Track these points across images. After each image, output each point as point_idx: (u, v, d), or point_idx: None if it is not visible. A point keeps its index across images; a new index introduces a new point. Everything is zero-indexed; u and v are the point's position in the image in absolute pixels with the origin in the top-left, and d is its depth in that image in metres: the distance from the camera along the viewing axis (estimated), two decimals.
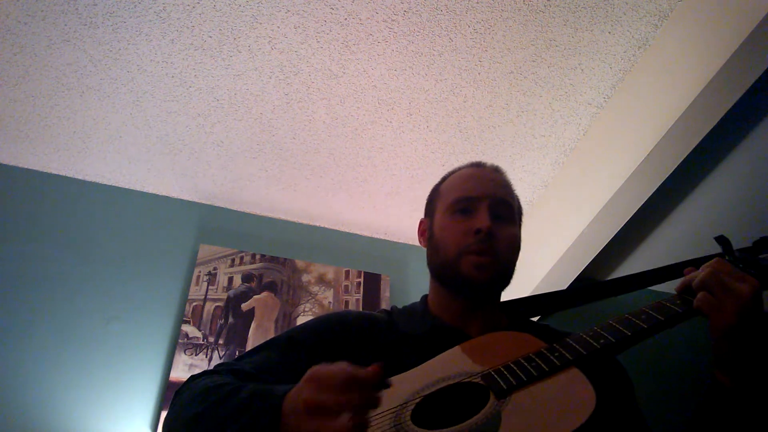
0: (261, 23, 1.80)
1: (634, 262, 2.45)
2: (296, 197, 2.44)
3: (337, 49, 1.88)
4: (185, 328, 2.06)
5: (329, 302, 2.31)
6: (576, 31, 1.82)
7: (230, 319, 2.14)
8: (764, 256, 0.82)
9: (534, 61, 1.92)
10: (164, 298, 2.14)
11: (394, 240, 2.64)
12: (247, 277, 2.26)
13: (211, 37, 1.84)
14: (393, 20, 1.79)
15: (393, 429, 0.68)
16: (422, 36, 1.84)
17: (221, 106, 2.06)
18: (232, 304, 2.19)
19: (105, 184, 2.34)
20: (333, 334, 0.91)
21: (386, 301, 2.37)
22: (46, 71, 1.93)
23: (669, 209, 2.22)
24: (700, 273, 0.76)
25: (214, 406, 0.71)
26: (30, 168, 2.26)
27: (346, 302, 2.34)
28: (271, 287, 2.27)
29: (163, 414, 1.79)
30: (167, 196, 2.40)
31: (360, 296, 2.36)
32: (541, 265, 2.24)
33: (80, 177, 2.31)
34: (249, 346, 2.08)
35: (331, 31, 1.82)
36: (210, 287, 2.19)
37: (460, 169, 1.04)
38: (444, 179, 1.05)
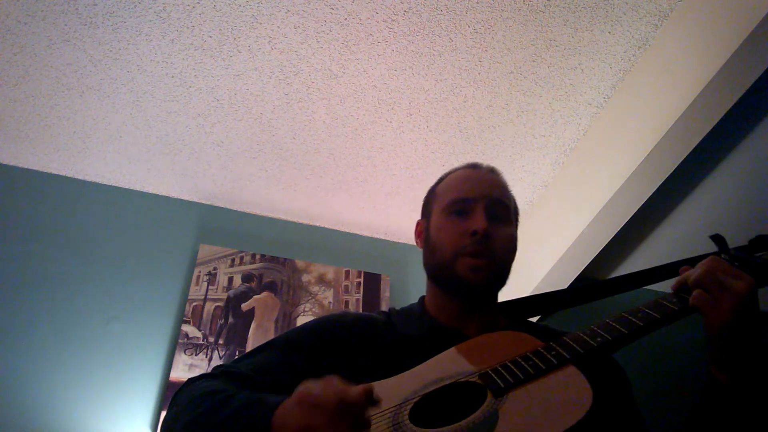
0: (261, 23, 1.80)
1: (634, 262, 2.45)
2: (296, 197, 2.44)
3: (337, 49, 1.88)
4: (185, 328, 2.06)
5: (329, 302, 2.31)
6: (576, 31, 1.82)
7: (230, 319, 2.14)
8: (760, 254, 0.82)
9: (534, 61, 1.92)
10: (164, 298, 2.14)
11: (394, 240, 2.64)
12: (247, 277, 2.26)
13: (211, 37, 1.84)
14: (393, 20, 1.79)
15: (391, 428, 0.68)
16: (422, 36, 1.84)
17: (221, 106, 2.06)
18: (232, 304, 2.19)
19: (105, 184, 2.34)
20: (331, 335, 0.91)
21: (386, 301, 2.37)
22: (46, 71, 1.93)
23: (669, 209, 2.22)
24: (696, 271, 0.77)
25: (206, 415, 0.72)
26: (30, 168, 2.26)
27: (346, 302, 2.34)
28: (271, 287, 2.27)
29: (163, 414, 1.79)
30: (167, 196, 2.40)
31: (360, 296, 2.36)
32: (541, 265, 2.24)
33: (80, 177, 2.31)
34: (249, 346, 2.08)
35: (331, 31, 1.82)
36: (210, 287, 2.19)
37: (456, 170, 1.04)
38: (440, 181, 1.05)
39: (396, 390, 0.75)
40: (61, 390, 1.87)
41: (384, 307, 2.32)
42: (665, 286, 0.85)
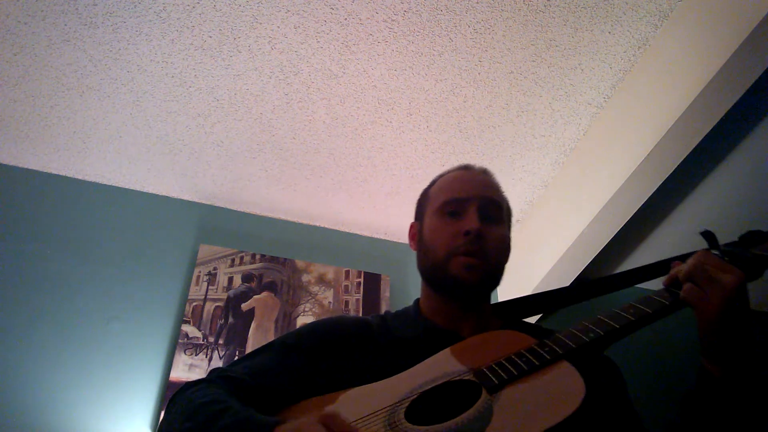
0: (261, 23, 1.80)
1: (634, 262, 2.45)
2: (296, 197, 2.44)
3: (337, 49, 1.88)
4: (185, 328, 2.06)
5: (329, 302, 2.31)
6: (576, 31, 1.82)
7: (230, 319, 2.14)
8: (750, 249, 0.83)
9: (534, 61, 1.92)
10: (164, 298, 2.14)
11: (394, 240, 2.64)
12: (247, 277, 2.26)
13: (211, 37, 1.84)
14: (393, 20, 1.80)
15: (387, 427, 0.69)
16: (422, 36, 1.84)
17: (221, 106, 2.06)
18: (232, 304, 2.19)
19: (105, 184, 2.34)
20: (328, 338, 0.91)
21: (386, 301, 2.37)
22: (46, 71, 1.93)
23: (669, 209, 2.22)
24: (686, 265, 0.78)
25: (198, 428, 0.73)
26: (30, 168, 2.26)
27: (346, 302, 2.34)
28: (271, 287, 2.27)
29: (163, 414, 1.79)
30: (167, 196, 2.40)
31: (360, 296, 2.36)
32: (541, 265, 2.24)
33: (80, 177, 2.31)
34: (249, 346, 2.08)
35: (331, 31, 1.82)
36: (210, 287, 2.19)
37: (448, 172, 1.05)
38: (433, 183, 1.06)
39: (391, 390, 0.76)
40: (61, 390, 1.87)
41: (384, 307, 2.33)
42: (658, 284, 0.85)
